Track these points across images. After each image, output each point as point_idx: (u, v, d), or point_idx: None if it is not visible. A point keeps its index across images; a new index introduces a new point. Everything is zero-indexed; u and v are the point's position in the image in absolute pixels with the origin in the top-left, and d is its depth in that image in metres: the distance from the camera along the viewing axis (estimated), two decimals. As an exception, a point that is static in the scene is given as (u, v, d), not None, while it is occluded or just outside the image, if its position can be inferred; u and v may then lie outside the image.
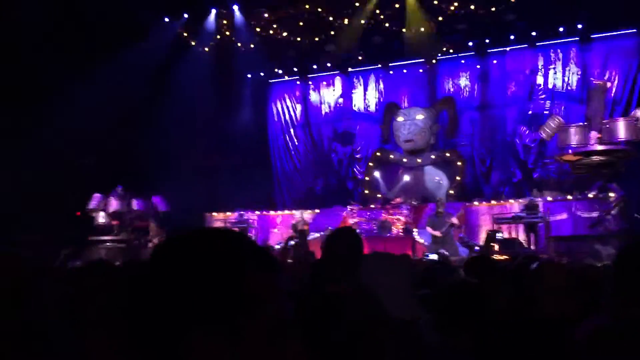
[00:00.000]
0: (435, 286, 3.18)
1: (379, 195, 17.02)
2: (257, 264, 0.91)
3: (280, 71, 20.13)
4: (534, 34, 16.57)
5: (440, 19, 16.73)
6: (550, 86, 16.95)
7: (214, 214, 17.38)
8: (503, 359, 2.24)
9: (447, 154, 17.26)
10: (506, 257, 10.97)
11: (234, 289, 0.87)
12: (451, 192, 16.51)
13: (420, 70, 18.53)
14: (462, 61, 17.97)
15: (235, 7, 17.74)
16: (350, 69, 19.46)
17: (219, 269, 0.87)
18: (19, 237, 10.85)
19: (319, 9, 17.15)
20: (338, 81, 19.93)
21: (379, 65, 19.02)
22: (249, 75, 20.06)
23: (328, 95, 20.14)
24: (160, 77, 16.75)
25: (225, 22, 18.34)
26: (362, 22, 17.09)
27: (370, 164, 18.12)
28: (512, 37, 16.80)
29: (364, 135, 19.46)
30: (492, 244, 11.96)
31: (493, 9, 16.01)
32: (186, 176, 16.34)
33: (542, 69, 17.10)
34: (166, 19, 17.61)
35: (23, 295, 1.58)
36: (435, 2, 16.44)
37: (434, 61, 18.08)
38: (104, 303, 1.28)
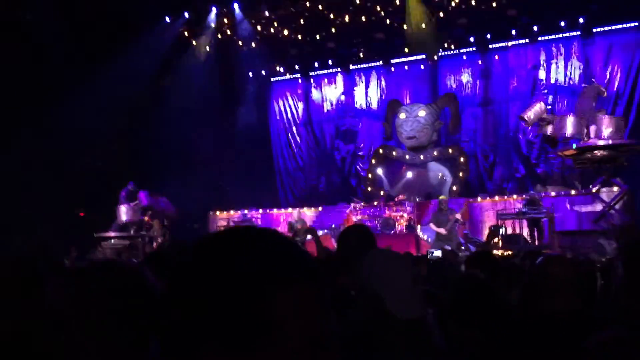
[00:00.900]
0: (440, 282, 3.19)
1: (382, 193, 17.02)
2: (290, 274, 0.79)
3: (281, 69, 20.13)
4: (535, 28, 16.53)
5: (441, 14, 16.70)
6: (552, 81, 16.91)
7: (218, 212, 17.42)
8: (512, 354, 2.24)
9: (450, 150, 17.25)
10: (510, 252, 10.98)
11: (253, 310, 0.76)
12: (454, 188, 16.50)
13: (422, 67, 18.50)
14: (464, 57, 17.94)
15: (236, 6, 17.74)
16: (351, 66, 19.44)
17: (239, 284, 0.77)
18: (23, 237, 10.90)
19: (320, 7, 17.14)
20: (340, 78, 19.91)
21: (381, 62, 19.00)
22: (251, 74, 20.07)
23: (330, 93, 20.13)
24: (162, 77, 16.79)
25: (226, 20, 18.35)
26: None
27: (373, 161, 18.11)
28: (513, 32, 16.76)
29: (366, 132, 19.45)
30: (494, 239, 11.96)
31: (494, 4, 15.98)
32: (189, 175, 16.37)
33: (544, 64, 17.06)
34: (167, 19, 17.62)
35: (34, 297, 1.59)
36: (437, -1, 16.43)
37: (435, 57, 18.06)
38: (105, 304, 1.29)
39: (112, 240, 15.55)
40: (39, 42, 13.89)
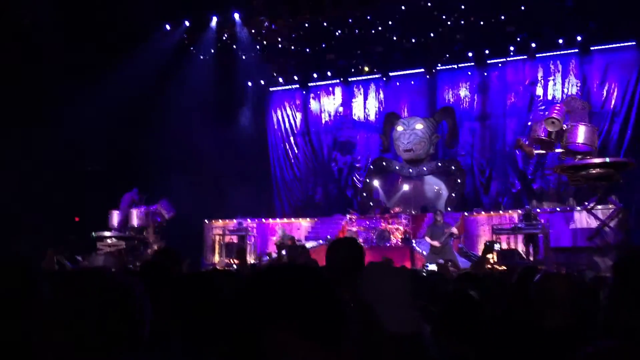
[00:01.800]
0: (433, 297, 3.19)
1: (379, 205, 17.03)
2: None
3: (280, 79, 20.19)
4: (533, 45, 16.64)
5: (440, 30, 16.82)
6: (549, 97, 16.99)
7: (213, 221, 17.40)
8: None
9: (447, 164, 17.29)
10: (504, 268, 10.98)
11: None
12: (450, 202, 16.52)
13: (421, 80, 18.60)
14: (462, 72, 18.04)
15: (236, 15, 17.81)
16: (350, 78, 19.52)
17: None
18: (20, 242, 10.87)
19: (320, 18, 17.24)
20: (338, 90, 19.98)
21: (379, 75, 19.09)
22: (250, 83, 20.11)
23: (328, 104, 20.19)
24: (161, 85, 16.81)
25: (226, 29, 18.42)
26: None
27: (370, 173, 18.14)
28: (511, 48, 16.87)
29: (363, 144, 19.49)
30: (489, 255, 11.95)
31: (493, 20, 16.10)
32: (186, 183, 16.36)
33: (542, 80, 17.17)
34: (167, 27, 17.67)
35: (25, 299, 1.59)
36: (436, 13, 16.53)
37: (433, 71, 18.17)
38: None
39: (109, 240, 15.55)
40: (40, 46, 13.91)
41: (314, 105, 20.35)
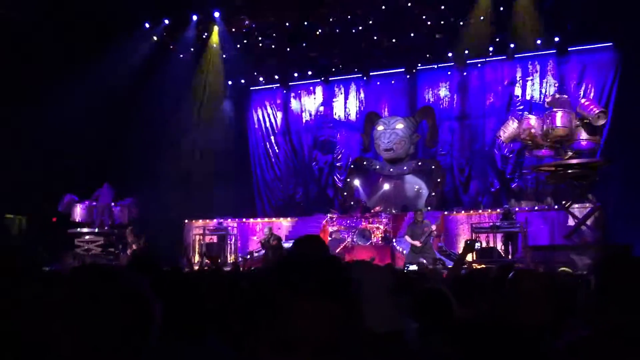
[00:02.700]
0: (411, 294, 3.21)
1: (359, 204, 17.07)
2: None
3: (261, 78, 20.13)
4: (512, 46, 16.81)
5: (420, 29, 16.92)
6: (528, 97, 17.19)
7: (194, 220, 17.30)
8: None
9: (427, 163, 17.40)
10: (483, 266, 11.08)
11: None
12: (430, 201, 16.62)
13: (401, 80, 18.69)
14: (442, 71, 18.15)
15: (217, 14, 17.71)
16: (331, 78, 19.53)
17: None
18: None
19: (300, 17, 17.21)
20: (319, 89, 19.99)
21: (360, 74, 19.13)
22: (230, 82, 20.03)
23: (309, 103, 20.19)
24: (140, 83, 16.66)
25: (206, 28, 18.29)
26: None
27: (351, 172, 18.18)
28: (491, 48, 17.01)
29: (344, 143, 19.53)
30: (468, 253, 12.04)
31: (472, 20, 16.22)
32: (166, 182, 16.24)
33: (520, 81, 17.35)
34: (147, 25, 17.51)
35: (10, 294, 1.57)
36: (416, 12, 16.61)
37: (414, 70, 18.26)
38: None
39: (87, 237, 15.38)
40: (19, 40, 13.70)
41: (294, 104, 20.33)
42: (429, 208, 15.80)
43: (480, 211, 15.33)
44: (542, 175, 15.17)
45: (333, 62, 19.04)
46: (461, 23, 16.46)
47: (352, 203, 17.41)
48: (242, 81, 20.14)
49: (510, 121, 13.44)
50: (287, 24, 17.47)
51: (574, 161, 12.46)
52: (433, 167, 17.23)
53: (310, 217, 16.99)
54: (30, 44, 13.84)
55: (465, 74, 17.88)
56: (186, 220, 17.31)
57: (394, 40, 17.51)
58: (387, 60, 18.39)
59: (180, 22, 17.90)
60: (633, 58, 14.60)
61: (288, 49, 18.42)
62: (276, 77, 19.93)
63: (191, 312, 1.93)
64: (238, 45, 18.35)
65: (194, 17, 17.89)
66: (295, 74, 19.59)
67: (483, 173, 17.56)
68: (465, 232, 14.56)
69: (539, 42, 16.50)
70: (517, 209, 14.14)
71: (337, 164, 19.52)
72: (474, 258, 12.64)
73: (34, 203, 14.29)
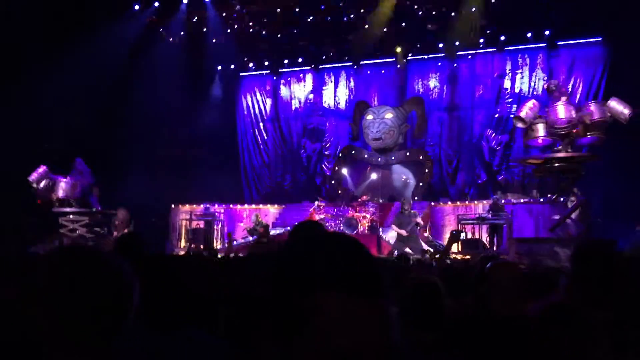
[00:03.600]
0: (396, 285, 3.22)
1: (347, 193, 17.11)
2: (330, 281, 0.91)
3: (251, 64, 20.02)
4: (502, 38, 16.83)
5: (411, 20, 16.90)
6: (517, 90, 17.25)
7: (181, 205, 17.23)
8: (461, 353, 2.29)
9: (415, 154, 17.44)
10: (468, 257, 11.17)
11: (295, 302, 0.92)
12: (417, 191, 16.68)
13: (391, 70, 18.67)
14: (432, 62, 18.15)
15: (207, -2, 17.55)
16: (321, 66, 19.47)
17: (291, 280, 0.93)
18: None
19: (292, 4, 17.12)
20: (309, 77, 19.92)
21: (350, 63, 19.09)
22: (220, 68, 19.89)
23: (298, 91, 20.12)
24: (128, 67, 16.49)
25: (196, 12, 18.13)
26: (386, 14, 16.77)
27: (339, 160, 18.19)
28: (481, 40, 17.03)
29: (333, 132, 19.52)
30: (453, 243, 12.14)
31: (464, 12, 16.22)
32: (154, 167, 16.16)
33: (510, 73, 17.40)
34: (136, 7, 17.31)
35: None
36: (408, 3, 16.58)
37: (404, 60, 18.23)
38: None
39: (71, 216, 15.11)
40: (4, 23, 13.50)
41: (284, 91, 20.26)
42: (416, 198, 15.87)
43: (466, 202, 15.40)
44: (529, 168, 15.28)
45: (323, 51, 18.97)
46: (452, 14, 16.45)
47: (339, 192, 17.45)
48: (232, 67, 20.02)
49: (532, 102, 12.97)
50: (277, 10, 17.37)
51: (561, 155, 12.54)
52: (421, 157, 17.28)
53: (298, 205, 17.01)
54: (18, 24, 13.63)
55: (455, 65, 17.90)
56: (173, 205, 17.24)
57: (385, 30, 17.47)
58: (377, 50, 18.35)
59: (170, 5, 17.73)
60: (622, 53, 14.69)
61: (279, 35, 18.33)
62: (266, 63, 19.83)
63: (172, 298, 1.92)
64: (228, 31, 18.21)
65: (184, 1, 17.72)
66: (286, 61, 19.50)
67: (470, 165, 17.64)
68: (451, 222, 14.64)
69: (529, 35, 16.55)
70: (502, 201, 14.24)
71: (326, 152, 19.52)
72: (459, 249, 12.74)
73: (18, 183, 14.13)
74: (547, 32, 16.31)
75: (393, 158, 17.48)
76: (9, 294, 1.34)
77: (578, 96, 16.28)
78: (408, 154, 17.52)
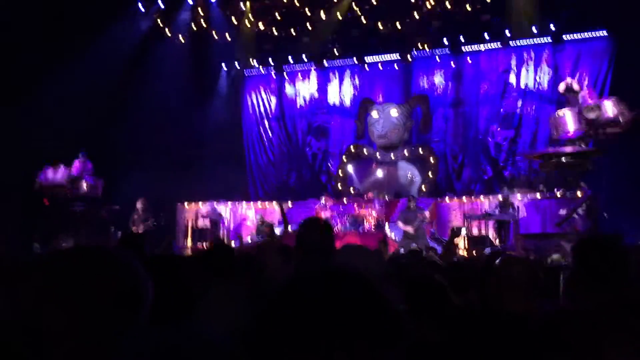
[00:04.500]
0: (403, 281, 3.22)
1: (352, 190, 17.10)
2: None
3: (255, 63, 20.02)
4: (507, 33, 16.75)
5: (416, 16, 16.84)
6: (522, 86, 17.17)
7: (186, 204, 17.26)
8: (468, 352, 2.28)
9: (420, 150, 17.42)
10: (474, 253, 11.15)
11: None
12: (423, 188, 16.66)
13: (396, 66, 18.61)
14: (437, 58, 18.09)
15: (212, -3, 17.56)
16: (326, 63, 19.43)
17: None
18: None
19: (295, 1, 17.11)
20: (314, 75, 19.89)
21: (355, 60, 19.05)
22: (224, 66, 19.90)
23: (303, 89, 20.10)
24: (133, 66, 16.53)
25: (200, 11, 18.15)
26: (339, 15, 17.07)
27: (344, 158, 18.19)
28: (486, 35, 16.96)
29: (338, 129, 19.49)
30: (455, 240, 12.12)
31: (469, 7, 16.16)
32: (159, 166, 16.17)
33: (515, 69, 17.32)
34: (140, 6, 17.33)
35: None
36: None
37: (409, 57, 18.18)
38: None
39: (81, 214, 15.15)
40: (7, 24, 13.55)
41: (289, 89, 20.25)
42: (422, 193, 15.84)
43: (472, 198, 15.36)
44: (535, 163, 15.23)
45: (328, 48, 18.94)
46: (457, 9, 16.39)
47: (344, 189, 17.43)
48: (237, 65, 20.03)
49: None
50: (282, 7, 17.36)
51: (567, 149, 12.51)
52: (426, 154, 17.25)
53: (304, 202, 17.01)
54: (22, 25, 13.68)
55: (460, 61, 17.83)
56: (179, 204, 17.28)
57: (389, 26, 17.43)
58: (382, 46, 18.30)
59: (174, 4, 17.75)
60: (628, 47, 14.60)
61: (283, 33, 18.32)
62: (271, 61, 19.82)
63: (175, 293, 1.93)
64: (233, 29, 18.22)
65: (189, 0, 17.73)
66: (290, 59, 19.49)
67: (476, 161, 17.59)
68: (457, 219, 14.60)
69: (534, 29, 16.46)
70: (510, 197, 14.18)
71: (331, 150, 19.50)
72: (466, 246, 12.71)
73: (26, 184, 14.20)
74: (552, 26, 16.20)
75: (398, 155, 17.46)
76: (25, 292, 1.33)
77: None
78: (413, 150, 17.49)
